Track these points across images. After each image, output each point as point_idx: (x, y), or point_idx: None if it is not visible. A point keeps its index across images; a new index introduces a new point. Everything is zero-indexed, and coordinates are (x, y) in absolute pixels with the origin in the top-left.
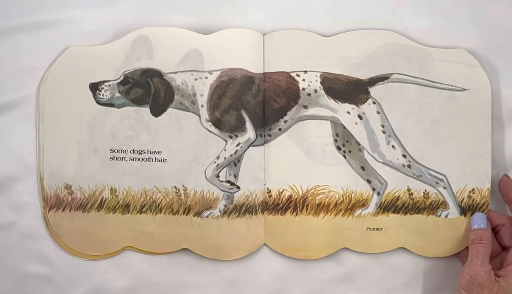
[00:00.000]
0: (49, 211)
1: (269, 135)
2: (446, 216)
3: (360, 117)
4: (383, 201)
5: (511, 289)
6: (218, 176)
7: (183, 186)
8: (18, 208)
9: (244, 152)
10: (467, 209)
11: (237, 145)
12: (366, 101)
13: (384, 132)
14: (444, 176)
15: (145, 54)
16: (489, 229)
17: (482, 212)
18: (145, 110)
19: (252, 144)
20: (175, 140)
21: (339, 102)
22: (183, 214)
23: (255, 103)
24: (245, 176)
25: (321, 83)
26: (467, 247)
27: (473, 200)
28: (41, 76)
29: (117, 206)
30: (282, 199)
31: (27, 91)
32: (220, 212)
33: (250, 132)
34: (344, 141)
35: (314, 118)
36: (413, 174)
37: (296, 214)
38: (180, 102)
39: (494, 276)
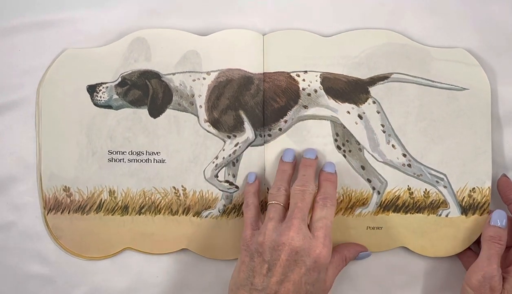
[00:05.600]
0: (48, 213)
1: (269, 135)
2: (446, 215)
3: (360, 117)
4: (383, 200)
5: None
6: (217, 176)
7: (182, 186)
8: (18, 208)
9: (243, 152)
10: (467, 208)
11: (236, 145)
12: (366, 101)
13: (384, 131)
14: (444, 175)
15: (142, 56)
16: (506, 230)
17: (483, 211)
18: (143, 111)
19: (251, 144)
20: (174, 141)
21: (339, 102)
22: (183, 214)
23: (254, 104)
24: (245, 175)
25: (321, 83)
26: (468, 247)
27: (473, 199)
28: (41, 77)
29: (116, 208)
30: None
31: (27, 91)
32: (219, 211)
33: (248, 132)
34: (344, 141)
35: (314, 118)
36: (413, 173)
37: None
38: (179, 103)
39: None
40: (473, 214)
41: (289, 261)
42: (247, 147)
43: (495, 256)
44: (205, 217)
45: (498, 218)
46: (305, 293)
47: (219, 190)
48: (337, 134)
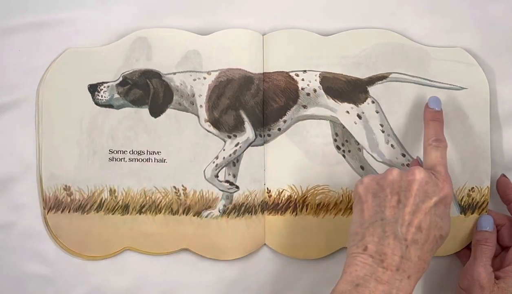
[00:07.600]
0: (48, 212)
1: (269, 135)
2: None
3: (359, 116)
4: None
5: (511, 289)
6: (217, 176)
7: (182, 186)
8: (18, 208)
9: (243, 151)
10: (467, 208)
11: (236, 145)
12: (365, 101)
13: (383, 131)
14: None
15: (144, 56)
16: (494, 232)
17: (482, 210)
18: (144, 111)
19: (251, 144)
20: (174, 140)
21: (338, 102)
22: (183, 214)
23: (254, 103)
24: (245, 176)
25: (320, 82)
26: (467, 247)
27: (472, 199)
28: (41, 77)
29: (117, 207)
30: (282, 199)
31: (27, 91)
32: (219, 212)
33: (249, 132)
34: (344, 141)
35: (314, 118)
36: None
37: (296, 214)
38: (179, 102)
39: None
40: (472, 214)
41: (419, 191)
42: (247, 147)
43: (482, 256)
44: (205, 217)
45: (484, 224)
46: (435, 225)
47: (220, 190)
48: (336, 134)
